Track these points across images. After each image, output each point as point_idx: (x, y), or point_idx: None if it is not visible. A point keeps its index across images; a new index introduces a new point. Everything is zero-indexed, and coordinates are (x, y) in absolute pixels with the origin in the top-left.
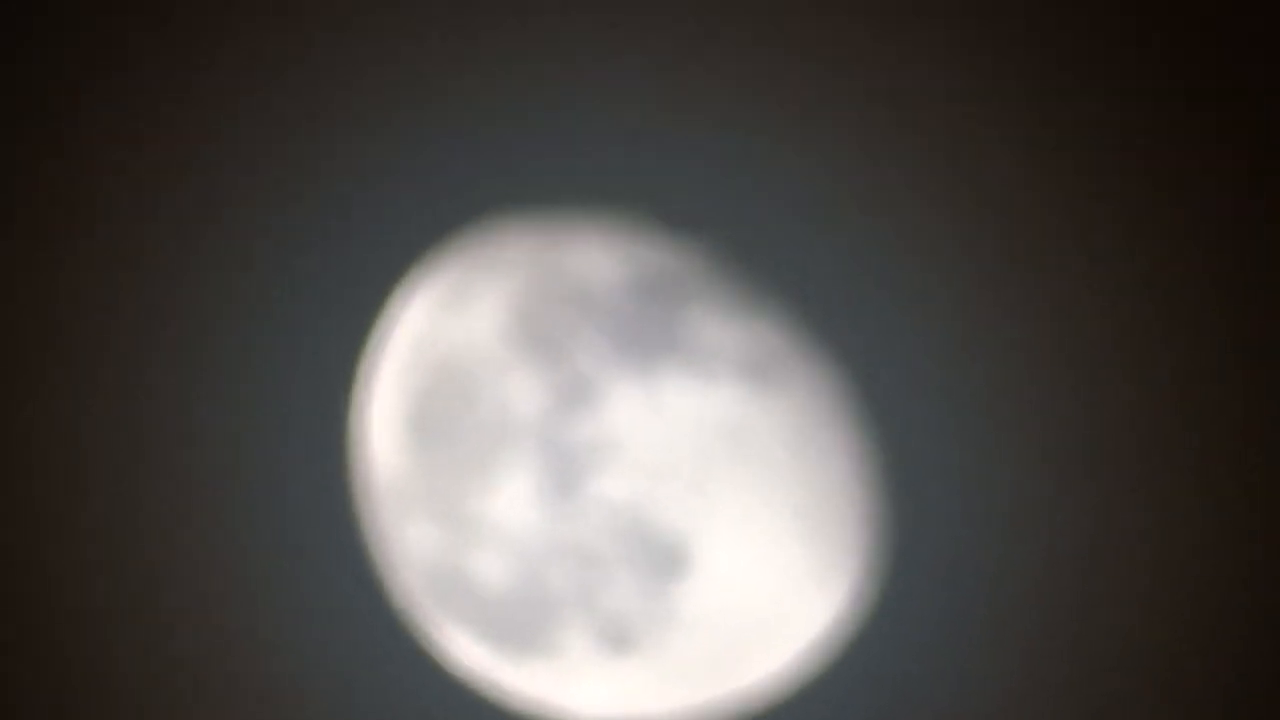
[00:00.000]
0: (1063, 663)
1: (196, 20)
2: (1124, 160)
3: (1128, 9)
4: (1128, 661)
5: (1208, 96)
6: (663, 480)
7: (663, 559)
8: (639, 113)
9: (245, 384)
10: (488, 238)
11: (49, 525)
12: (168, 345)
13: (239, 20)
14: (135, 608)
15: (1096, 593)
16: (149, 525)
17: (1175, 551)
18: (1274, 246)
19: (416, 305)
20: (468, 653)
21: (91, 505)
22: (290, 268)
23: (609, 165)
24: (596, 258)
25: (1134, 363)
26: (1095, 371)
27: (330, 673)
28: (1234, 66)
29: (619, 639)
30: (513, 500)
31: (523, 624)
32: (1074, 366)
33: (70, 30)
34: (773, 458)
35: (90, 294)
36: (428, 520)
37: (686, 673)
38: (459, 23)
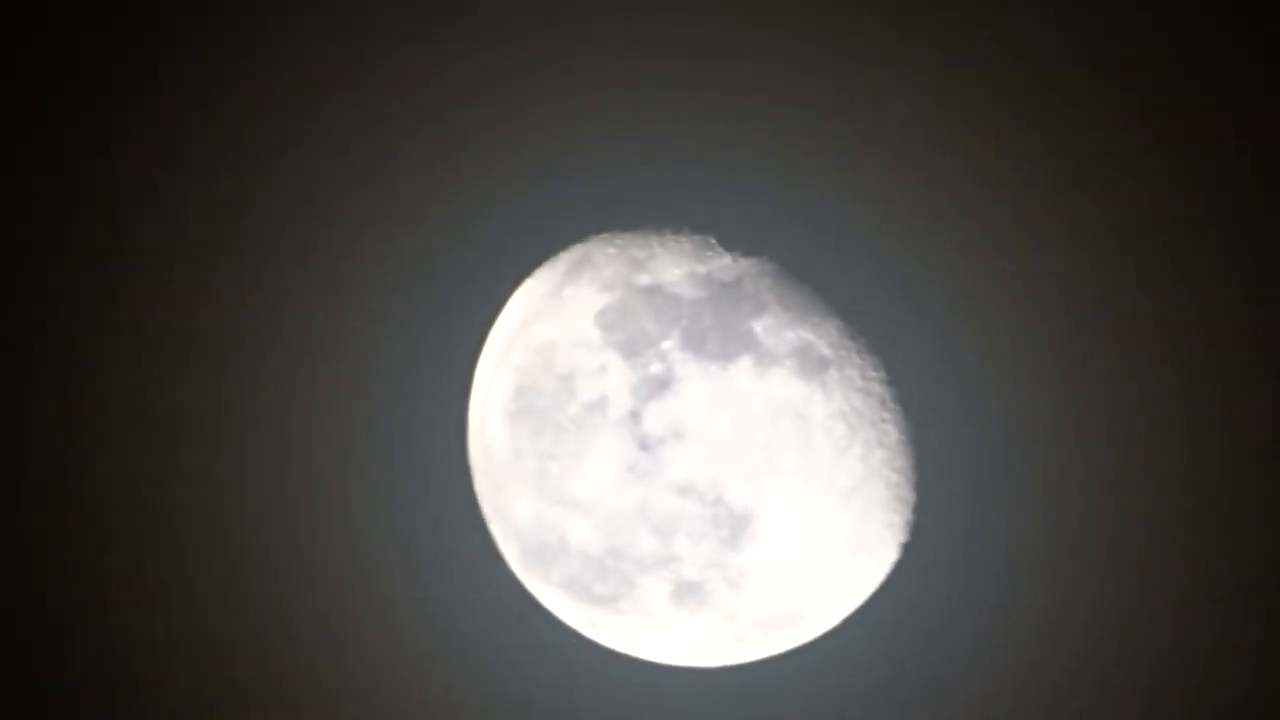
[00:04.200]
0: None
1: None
2: None
3: None
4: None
5: None
6: (731, 460)
7: (730, 528)
8: (709, 156)
9: (380, 383)
10: (586, 255)
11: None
12: (321, 353)
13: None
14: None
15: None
16: (300, 508)
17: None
18: None
19: (523, 311)
20: (563, 605)
21: (257, 490)
22: (422, 281)
23: (687, 197)
24: (675, 271)
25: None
26: (1106, 377)
27: (449, 622)
28: None
29: (691, 595)
30: (601, 477)
31: (610, 581)
32: (1095, 380)
33: None
34: (825, 444)
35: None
36: (530, 494)
37: (749, 626)
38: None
